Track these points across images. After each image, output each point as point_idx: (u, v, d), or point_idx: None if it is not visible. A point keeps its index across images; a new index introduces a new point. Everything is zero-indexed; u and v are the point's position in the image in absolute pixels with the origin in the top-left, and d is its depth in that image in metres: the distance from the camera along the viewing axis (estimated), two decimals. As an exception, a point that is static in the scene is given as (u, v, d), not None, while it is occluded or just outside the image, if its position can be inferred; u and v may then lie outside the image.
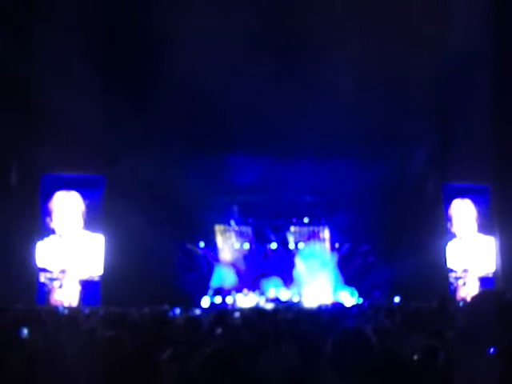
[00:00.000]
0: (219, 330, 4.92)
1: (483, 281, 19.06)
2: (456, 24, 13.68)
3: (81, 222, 17.07)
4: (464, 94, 15.03)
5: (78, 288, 16.63)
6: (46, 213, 16.76)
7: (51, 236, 16.70)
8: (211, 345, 2.69)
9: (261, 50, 13.33)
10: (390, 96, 14.93)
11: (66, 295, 16.41)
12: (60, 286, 16.44)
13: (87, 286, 16.72)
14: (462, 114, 15.33)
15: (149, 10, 13.42)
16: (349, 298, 18.56)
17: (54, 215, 16.94)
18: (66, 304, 15.41)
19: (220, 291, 18.92)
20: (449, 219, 19.34)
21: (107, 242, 16.85)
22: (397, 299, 15.10)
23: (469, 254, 19.22)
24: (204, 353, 2.54)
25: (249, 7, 13.13)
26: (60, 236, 16.78)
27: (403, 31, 13.06)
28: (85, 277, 16.74)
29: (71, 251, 16.80)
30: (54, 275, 16.48)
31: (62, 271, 16.60)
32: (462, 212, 19.57)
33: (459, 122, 15.59)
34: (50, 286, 16.39)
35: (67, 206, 17.07)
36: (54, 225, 16.87)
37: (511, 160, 17.22)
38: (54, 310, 9.41)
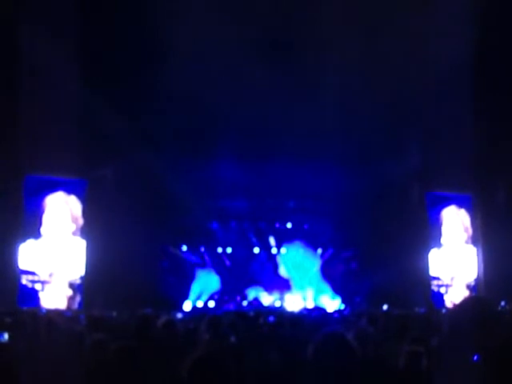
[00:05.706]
0: (207, 336, 4.89)
1: (466, 288, 19.19)
2: (439, 38, 13.86)
3: (72, 226, 16.89)
4: (446, 103, 15.19)
5: (67, 291, 16.45)
6: (30, 214, 16.53)
7: (35, 239, 16.47)
8: (198, 350, 2.68)
9: (248, 55, 13.33)
10: (375, 104, 15.03)
11: (50, 298, 16.22)
12: (42, 289, 16.24)
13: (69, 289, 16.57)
14: (445, 123, 15.48)
15: (138, 13, 13.36)
16: (331, 304, 18.60)
17: (45, 217, 16.72)
18: (52, 307, 15.20)
19: (202, 295, 18.89)
20: (434, 227, 19.43)
21: (89, 244, 16.70)
22: (385, 307, 15.07)
23: (452, 261, 19.33)
24: (191, 357, 2.53)
25: (236, 14, 13.16)
26: (44, 238, 16.56)
27: (393, 41, 13.14)
28: (68, 280, 16.56)
29: (55, 254, 16.59)
30: (37, 278, 16.28)
31: (45, 274, 16.40)
32: (453, 220, 19.68)
33: (442, 130, 15.76)
34: (33, 289, 16.18)
35: (61, 209, 16.90)
36: (43, 226, 16.65)
37: (493, 169, 17.43)
38: (34, 313, 9.31)
